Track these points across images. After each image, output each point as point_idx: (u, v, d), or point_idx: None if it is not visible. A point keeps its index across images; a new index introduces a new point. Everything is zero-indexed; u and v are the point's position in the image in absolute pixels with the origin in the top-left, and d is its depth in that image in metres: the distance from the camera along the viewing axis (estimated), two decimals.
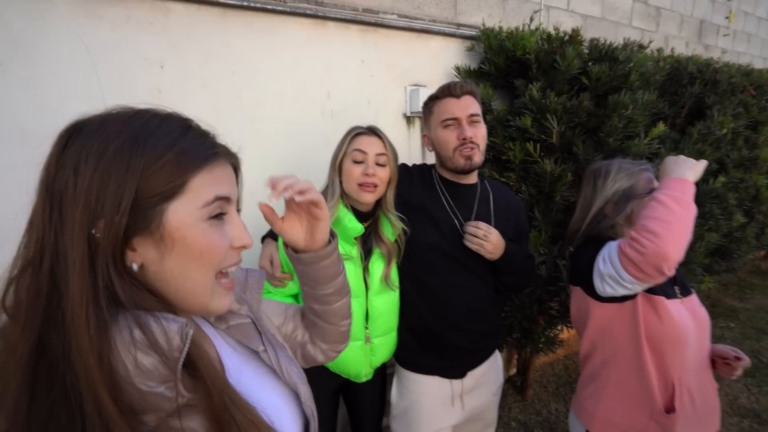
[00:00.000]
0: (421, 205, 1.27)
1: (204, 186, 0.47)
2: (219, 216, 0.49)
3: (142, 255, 0.44)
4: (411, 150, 2.02)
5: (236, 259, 0.52)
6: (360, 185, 1.15)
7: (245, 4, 1.53)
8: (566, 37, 1.80)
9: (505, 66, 1.94)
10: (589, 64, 1.75)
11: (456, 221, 1.24)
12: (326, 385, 1.30)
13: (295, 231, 0.67)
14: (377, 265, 1.22)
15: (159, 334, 0.40)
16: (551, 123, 1.70)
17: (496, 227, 1.20)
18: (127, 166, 0.41)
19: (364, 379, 1.29)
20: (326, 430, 1.36)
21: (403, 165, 1.37)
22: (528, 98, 1.77)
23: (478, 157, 1.22)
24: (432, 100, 1.27)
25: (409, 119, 2.01)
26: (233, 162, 0.54)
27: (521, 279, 1.32)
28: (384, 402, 1.44)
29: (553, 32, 1.90)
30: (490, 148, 1.91)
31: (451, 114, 1.21)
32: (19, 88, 1.29)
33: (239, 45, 1.55)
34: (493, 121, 1.92)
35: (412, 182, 1.31)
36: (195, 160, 0.47)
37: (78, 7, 1.31)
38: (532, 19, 2.14)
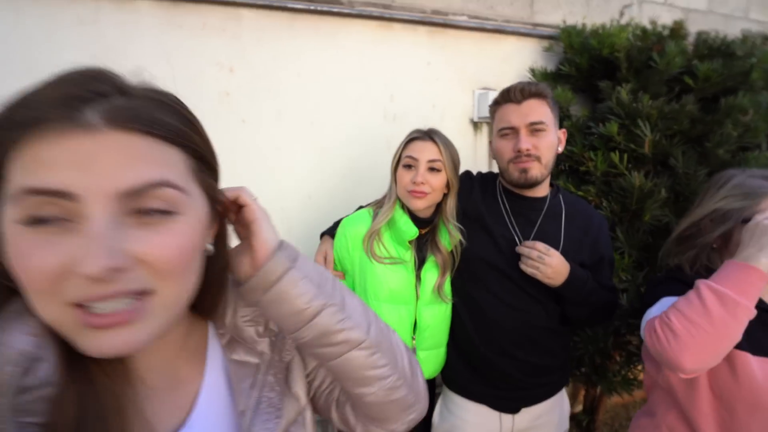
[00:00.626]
0: (479, 216, 1.16)
1: (16, 173, 0.32)
2: (45, 221, 0.31)
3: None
4: (477, 157, 1.89)
5: (92, 291, 0.32)
6: (409, 192, 1.10)
7: (312, 8, 1.53)
8: (666, 32, 1.56)
9: (587, 66, 1.74)
10: (695, 61, 1.49)
11: (516, 237, 1.11)
12: None
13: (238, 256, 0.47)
14: (431, 274, 1.15)
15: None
16: (643, 130, 1.47)
17: (564, 249, 1.04)
18: None
19: None
20: None
21: (467, 173, 1.27)
22: (615, 102, 1.56)
23: (537, 171, 1.07)
24: (494, 105, 1.15)
25: (476, 124, 1.89)
26: (124, 127, 0.33)
27: (593, 313, 1.13)
28: (428, 423, 1.34)
29: (649, 27, 1.66)
30: (566, 157, 1.72)
31: (507, 122, 1.08)
32: None
33: (305, 49, 1.56)
34: (571, 128, 1.72)
35: (472, 191, 1.20)
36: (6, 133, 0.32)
37: (161, 18, 1.40)
38: (622, 14, 1.90)
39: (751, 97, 1.41)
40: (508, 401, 1.17)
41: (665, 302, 0.87)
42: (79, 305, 0.32)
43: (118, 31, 1.37)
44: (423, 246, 1.17)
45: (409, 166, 1.11)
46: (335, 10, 1.57)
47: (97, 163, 0.32)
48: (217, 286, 0.47)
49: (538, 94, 1.07)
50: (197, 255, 0.40)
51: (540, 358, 1.13)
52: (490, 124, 1.44)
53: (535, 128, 1.06)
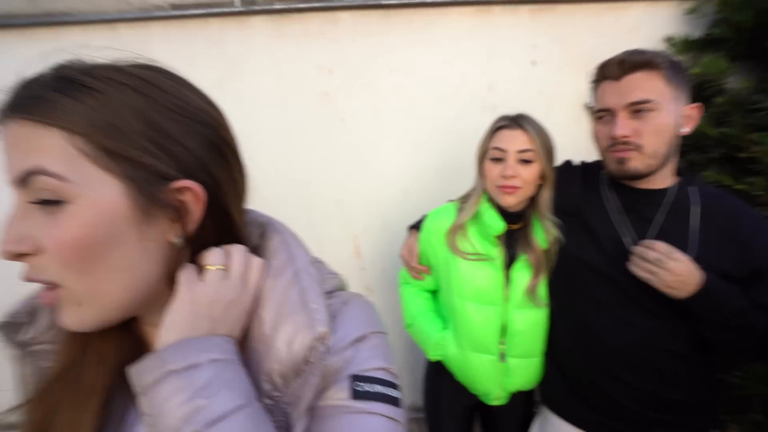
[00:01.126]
0: (577, 212, 0.97)
1: None
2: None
3: None
4: (592, 147, 1.63)
5: (24, 274, 0.35)
6: (499, 187, 0.98)
7: (406, 2, 1.52)
8: None
9: (753, 25, 1.35)
10: None
11: (624, 236, 0.89)
12: (456, 402, 1.16)
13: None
14: (522, 274, 1.01)
15: None
16: None
17: (698, 254, 0.79)
18: None
19: (495, 402, 1.09)
20: None
21: (566, 162, 1.10)
22: None
23: (639, 162, 0.85)
24: (593, 83, 0.96)
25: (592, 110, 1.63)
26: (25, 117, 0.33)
27: (746, 341, 0.82)
28: None
29: None
30: (720, 142, 1.35)
31: (602, 103, 0.89)
32: (233, 101, 1.62)
33: (399, 43, 1.56)
34: (726, 104, 1.35)
35: (572, 183, 1.02)
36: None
37: (271, 29, 1.56)
38: None
39: None
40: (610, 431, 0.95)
41: None
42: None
43: (238, 47, 1.57)
44: (514, 243, 1.04)
45: (497, 159, 1.00)
46: (429, 0, 1.53)
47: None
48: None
49: (645, 65, 0.84)
50: (109, 249, 0.35)
51: (662, 388, 0.89)
52: None
53: (637, 108, 0.84)
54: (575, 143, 1.54)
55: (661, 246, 0.79)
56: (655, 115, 0.84)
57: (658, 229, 0.87)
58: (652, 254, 0.79)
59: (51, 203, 0.33)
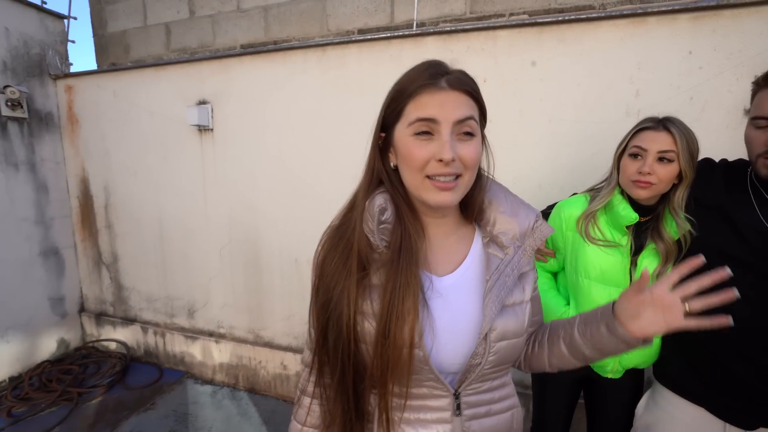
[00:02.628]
0: (717, 205, 1.07)
1: (410, 110, 0.66)
2: (423, 133, 0.65)
3: (393, 159, 0.73)
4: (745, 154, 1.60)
5: (442, 170, 0.65)
6: (634, 181, 1.12)
7: (560, 18, 1.73)
8: None
9: None
10: None
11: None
12: (566, 373, 1.31)
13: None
14: (648, 261, 1.15)
15: (372, 203, 0.72)
16: None
17: None
18: (383, 106, 0.73)
19: (610, 375, 1.25)
20: (560, 418, 1.38)
21: (706, 160, 1.18)
22: None
23: None
24: (754, 87, 1.03)
25: None
26: (456, 86, 0.65)
27: None
28: (630, 423, 1.30)
29: None
30: None
31: (762, 111, 0.96)
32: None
33: (549, 56, 1.78)
34: None
35: (712, 178, 1.11)
36: (406, 91, 0.67)
37: (439, 47, 1.93)
38: None
39: None
40: (741, 413, 1.04)
41: None
42: (429, 177, 0.67)
43: (413, 60, 1.97)
44: (643, 233, 1.17)
45: (635, 155, 1.12)
46: (583, 16, 1.71)
47: (446, 105, 0.65)
48: (477, 201, 0.78)
49: None
50: (478, 162, 0.71)
51: None
52: None
53: None
54: (732, 147, 1.56)
55: None
56: None
57: None
58: None
59: (470, 135, 0.67)
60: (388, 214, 0.72)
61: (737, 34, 1.58)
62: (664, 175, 1.09)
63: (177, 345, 2.89)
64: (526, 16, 2.10)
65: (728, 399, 1.06)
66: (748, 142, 1.03)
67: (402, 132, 0.68)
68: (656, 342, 1.21)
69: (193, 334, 2.82)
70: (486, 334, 0.71)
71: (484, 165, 0.77)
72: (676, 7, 1.62)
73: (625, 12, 1.66)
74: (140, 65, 2.63)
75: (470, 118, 0.66)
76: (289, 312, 2.54)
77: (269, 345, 2.63)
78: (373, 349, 0.69)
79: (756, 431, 1.03)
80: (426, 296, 0.71)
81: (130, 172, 2.81)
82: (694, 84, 1.64)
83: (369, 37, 2.05)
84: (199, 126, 2.43)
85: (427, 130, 0.66)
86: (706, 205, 1.10)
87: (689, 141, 1.09)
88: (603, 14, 1.69)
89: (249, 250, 2.56)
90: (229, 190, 2.52)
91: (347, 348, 0.71)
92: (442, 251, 0.77)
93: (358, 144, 2.28)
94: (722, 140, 1.61)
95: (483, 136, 0.73)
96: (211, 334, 2.79)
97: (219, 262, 2.65)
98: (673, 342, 1.17)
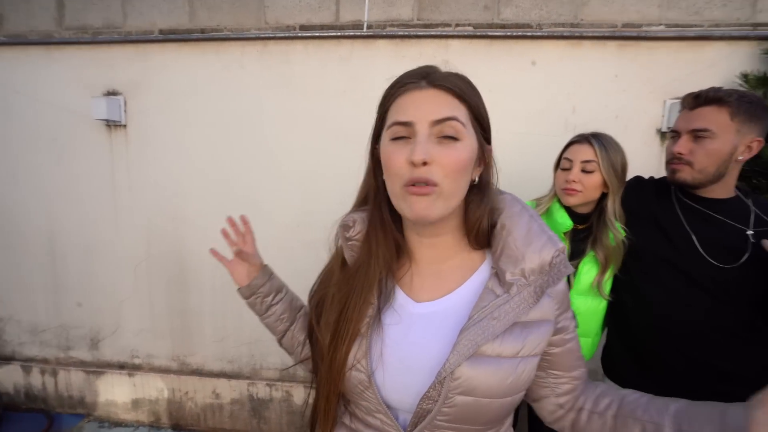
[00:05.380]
0: (650, 216, 1.21)
1: (390, 115, 0.61)
2: (401, 138, 0.59)
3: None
4: (661, 168, 1.84)
5: (413, 174, 0.57)
6: (563, 189, 1.24)
7: (508, 34, 1.80)
8: None
9: None
10: None
11: (693, 235, 1.12)
12: None
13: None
14: (588, 267, 1.24)
15: (345, 219, 0.71)
16: None
17: (753, 252, 1.02)
18: (377, 113, 0.66)
19: None
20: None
21: (637, 177, 1.33)
22: None
23: (687, 174, 1.10)
24: (681, 106, 1.19)
25: (664, 135, 1.84)
26: (438, 85, 0.59)
27: None
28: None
29: None
30: None
31: (676, 125, 1.14)
32: (352, 107, 1.96)
33: (498, 67, 1.85)
34: None
35: (642, 192, 1.26)
36: (386, 98, 0.63)
37: (391, 51, 1.89)
38: None
39: None
40: None
41: None
42: (404, 188, 0.58)
43: (363, 62, 1.91)
44: (581, 240, 1.27)
45: (565, 168, 1.26)
46: (528, 34, 1.80)
47: (423, 104, 0.58)
48: (478, 218, 0.65)
49: (715, 101, 1.08)
50: (466, 172, 0.60)
51: (716, 359, 1.11)
52: None
53: (698, 135, 1.09)
54: (647, 161, 1.76)
55: None
56: (710, 141, 1.08)
57: (717, 230, 1.10)
58: None
59: (452, 139, 0.58)
60: (355, 231, 0.69)
61: (653, 63, 1.81)
62: (588, 183, 1.22)
63: (74, 383, 2.39)
64: (470, 28, 2.17)
65: (662, 388, 1.17)
66: (666, 152, 1.20)
67: (384, 140, 0.62)
68: (591, 343, 1.31)
69: (97, 368, 2.36)
70: (444, 380, 0.58)
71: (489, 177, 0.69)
72: (606, 34, 1.80)
73: (564, 34, 1.80)
74: (22, 41, 2.13)
75: (452, 118, 0.58)
76: (223, 334, 2.26)
77: (198, 373, 2.31)
78: (320, 360, 0.67)
79: None
80: (383, 320, 0.65)
81: (7, 174, 2.26)
82: (619, 104, 1.83)
83: (317, 34, 1.92)
84: (108, 121, 2.05)
85: (404, 135, 0.59)
86: (641, 216, 1.23)
87: (610, 153, 1.21)
88: (546, 34, 1.81)
89: (172, 266, 2.23)
90: (147, 197, 2.17)
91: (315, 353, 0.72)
92: (432, 276, 0.67)
93: (305, 148, 2.16)
94: (640, 155, 1.83)
95: (482, 144, 0.63)
96: (122, 366, 2.36)
97: (133, 280, 2.26)
98: (619, 341, 1.28)
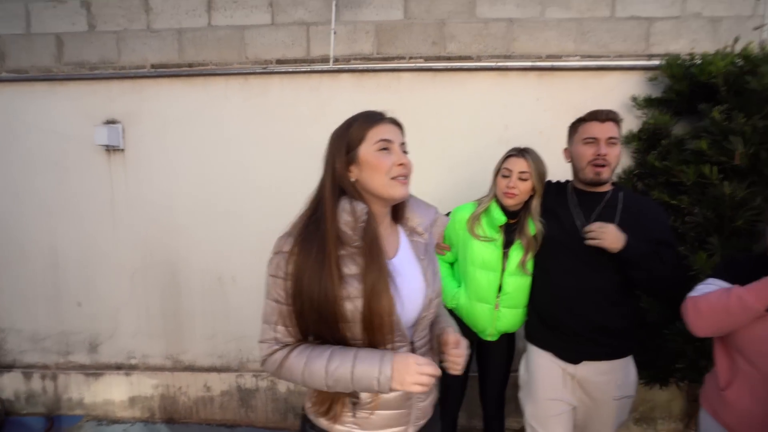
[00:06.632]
0: (552, 209, 1.57)
1: (373, 136, 0.92)
2: (384, 149, 0.92)
3: (355, 174, 0.94)
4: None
5: (400, 171, 0.92)
6: (504, 193, 1.58)
7: (449, 66, 2.20)
8: (760, 55, 1.72)
9: (688, 92, 1.96)
10: None
11: (578, 220, 1.49)
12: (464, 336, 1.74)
13: None
14: (516, 252, 1.59)
15: (356, 208, 0.92)
16: (734, 145, 1.66)
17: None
18: (343, 135, 0.96)
19: (488, 338, 1.68)
20: (459, 376, 1.77)
21: (548, 181, 1.68)
22: (709, 121, 1.77)
23: (607, 174, 1.46)
24: (579, 122, 1.55)
25: None
26: (395, 122, 0.98)
27: (651, 277, 1.39)
28: (508, 372, 1.76)
29: (757, 51, 1.82)
30: (662, 172, 1.95)
31: (592, 134, 1.47)
32: (321, 132, 2.31)
33: (442, 95, 2.24)
34: (669, 145, 1.95)
35: (548, 192, 1.62)
36: (365, 124, 0.93)
37: (352, 83, 2.26)
38: (736, 40, 2.03)
39: None
40: (569, 352, 1.52)
41: (710, 281, 1.21)
42: (393, 178, 0.92)
43: (330, 92, 2.28)
44: (512, 232, 1.61)
45: (506, 175, 1.59)
46: (465, 66, 2.21)
47: (394, 132, 0.95)
48: (402, 206, 1.06)
49: (615, 119, 1.48)
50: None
51: (596, 316, 1.46)
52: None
53: (610, 142, 1.46)
54: (563, 169, 2.15)
55: (597, 224, 1.39)
56: (616, 148, 1.47)
57: (597, 216, 1.48)
58: (593, 227, 1.38)
59: (406, 152, 0.97)
60: (365, 216, 0.94)
61: (565, 88, 2.23)
62: (523, 188, 1.56)
63: (74, 386, 2.60)
64: (422, 60, 2.56)
65: (563, 342, 1.53)
66: (580, 156, 1.51)
67: (367, 150, 0.93)
68: (520, 313, 1.64)
69: (96, 370, 2.58)
70: (430, 296, 1.00)
71: None
72: (527, 66, 2.21)
73: (493, 66, 2.21)
74: (27, 77, 2.41)
75: (404, 142, 0.99)
76: (212, 331, 2.53)
77: (190, 368, 2.56)
78: (361, 321, 0.90)
79: (580, 364, 1.51)
80: (392, 276, 0.96)
81: (10, 195, 2.50)
82: (542, 122, 2.24)
83: (291, 69, 2.28)
84: (108, 146, 2.34)
85: (386, 147, 0.94)
86: (547, 209, 1.59)
87: (538, 165, 1.59)
88: (479, 66, 2.21)
89: (166, 272, 2.50)
90: (144, 212, 2.45)
91: (329, 329, 0.93)
92: (387, 241, 1.03)
93: (279, 166, 2.50)
94: (558, 165, 2.24)
95: None
96: (119, 367, 2.59)
97: (130, 287, 2.51)
98: (531, 306, 1.64)
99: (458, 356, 0.97)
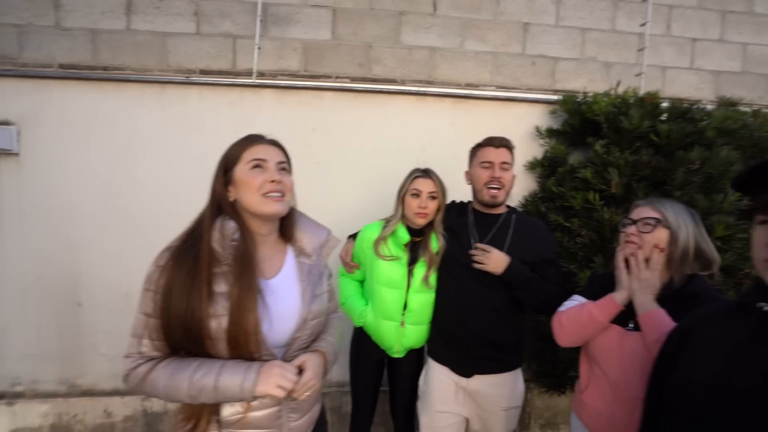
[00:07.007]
0: (452, 228, 1.67)
1: (248, 156, 0.98)
2: (257, 167, 0.97)
3: (233, 194, 0.99)
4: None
5: (272, 187, 0.97)
6: (416, 213, 1.63)
7: (371, 88, 2.29)
8: (631, 100, 1.98)
9: (580, 126, 2.19)
10: (659, 123, 1.88)
11: (473, 240, 1.60)
12: (372, 353, 1.77)
13: None
14: (420, 270, 1.65)
15: (225, 226, 0.96)
16: (611, 175, 1.88)
17: (509, 250, 1.52)
18: (223, 157, 1.02)
19: (396, 354, 1.72)
20: (369, 392, 1.81)
21: (452, 201, 1.79)
22: (594, 153, 1.99)
23: (502, 196, 1.59)
24: (477, 147, 1.68)
25: None
26: (276, 144, 1.05)
27: (534, 298, 1.52)
28: (416, 386, 1.79)
29: (632, 95, 2.09)
30: (558, 196, 2.15)
31: (488, 158, 1.59)
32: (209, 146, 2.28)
33: (363, 115, 2.31)
34: (564, 173, 2.16)
35: (450, 212, 1.72)
36: (241, 146, 1.00)
37: (275, 99, 2.27)
38: (618, 83, 2.32)
39: (700, 151, 1.74)
40: (462, 366, 1.60)
41: (574, 297, 1.36)
42: (264, 195, 0.97)
43: (251, 107, 2.26)
44: (417, 249, 1.67)
45: (416, 195, 1.64)
46: (386, 89, 2.30)
47: (270, 151, 1.01)
48: (290, 226, 1.10)
49: (507, 146, 1.62)
50: (293, 188, 1.06)
51: (488, 332, 1.56)
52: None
53: (503, 166, 1.59)
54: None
55: (482, 246, 1.51)
56: (509, 172, 1.59)
57: (491, 237, 1.59)
58: (478, 251, 1.50)
59: (286, 170, 1.03)
60: (237, 235, 0.98)
61: (477, 116, 2.40)
62: (432, 207, 1.64)
63: None
64: (349, 80, 2.64)
65: (457, 357, 1.61)
66: (478, 177, 1.62)
67: (241, 169, 0.98)
68: (425, 330, 1.70)
69: None
70: (305, 318, 1.03)
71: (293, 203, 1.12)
72: (443, 92, 2.36)
73: (412, 91, 2.33)
74: None
75: (285, 161, 1.04)
76: (117, 351, 2.35)
77: (89, 393, 2.36)
78: (225, 339, 0.92)
79: (472, 377, 1.60)
80: (263, 295, 0.98)
81: None
82: (456, 146, 2.37)
83: (211, 81, 2.24)
84: None
85: (259, 165, 0.98)
86: (447, 229, 1.68)
87: (442, 184, 1.68)
88: (399, 90, 2.32)
89: (65, 288, 2.30)
90: (40, 222, 2.25)
91: (194, 345, 0.93)
92: (269, 261, 1.06)
93: (198, 178, 2.40)
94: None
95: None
96: (1, 396, 2.32)
97: (20, 304, 2.28)
98: (434, 326, 1.70)
99: (301, 383, 0.96)
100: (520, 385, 1.66)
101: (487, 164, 1.60)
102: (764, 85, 2.94)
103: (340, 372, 2.30)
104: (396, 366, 1.81)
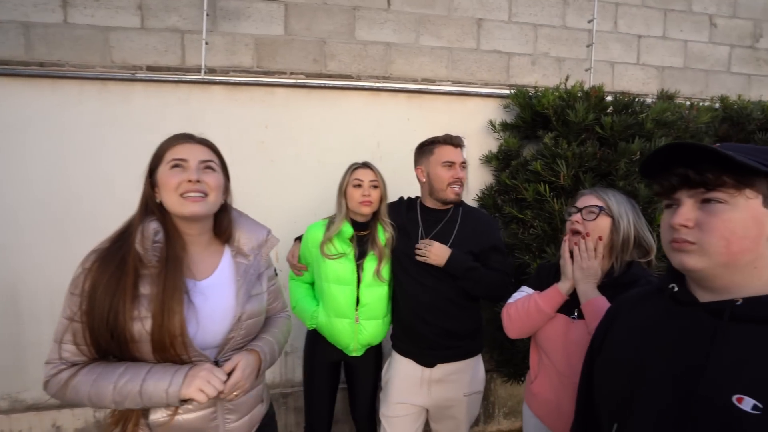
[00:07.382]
0: (402, 225, 1.68)
1: (169, 155, 0.96)
2: (177, 167, 0.95)
3: (159, 196, 0.97)
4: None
5: (189, 187, 0.94)
6: (361, 202, 1.62)
7: (323, 84, 2.25)
8: (579, 93, 2.04)
9: (531, 119, 2.24)
10: (603, 115, 1.94)
11: (425, 236, 1.61)
12: (327, 355, 1.74)
13: None
14: (370, 264, 1.64)
15: (147, 227, 0.94)
16: (560, 167, 1.93)
17: (455, 242, 1.54)
18: (151, 158, 0.99)
19: (353, 353, 1.70)
20: (325, 397, 1.76)
21: (401, 197, 1.80)
22: (543, 146, 2.04)
23: (462, 194, 1.64)
24: (434, 143, 1.66)
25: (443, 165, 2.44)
26: (204, 143, 1.02)
27: (478, 286, 1.54)
28: (377, 385, 1.79)
29: (579, 89, 2.15)
30: (511, 189, 2.19)
31: (450, 158, 1.59)
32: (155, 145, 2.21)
33: (316, 111, 2.28)
34: (517, 165, 2.21)
35: (400, 209, 1.74)
36: (165, 146, 0.97)
37: (225, 95, 2.20)
38: (567, 78, 2.38)
39: (640, 142, 1.81)
40: (425, 357, 1.62)
41: (522, 289, 1.38)
42: (182, 195, 0.94)
43: (200, 104, 2.19)
44: (364, 243, 1.66)
45: (358, 186, 1.63)
46: (338, 84, 2.28)
47: (193, 151, 0.97)
48: (226, 226, 1.07)
49: (460, 145, 1.63)
50: (221, 191, 1.01)
51: (446, 323, 1.58)
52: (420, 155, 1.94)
53: (463, 165, 1.62)
54: None
55: (424, 240, 1.52)
56: (465, 171, 1.61)
57: (438, 231, 1.60)
58: (421, 246, 1.51)
59: (212, 170, 1.00)
60: (160, 236, 0.96)
61: (433, 110, 2.41)
62: (375, 196, 1.64)
63: None
64: (303, 76, 2.59)
65: (419, 349, 1.62)
66: (441, 177, 1.60)
67: (162, 170, 0.96)
68: (380, 324, 1.68)
69: None
70: (239, 317, 1.00)
71: (229, 201, 1.09)
72: (397, 87, 2.35)
73: (366, 86, 2.31)
74: None
75: (211, 160, 1.00)
76: None
77: (34, 408, 2.23)
78: (149, 341, 0.89)
79: (435, 367, 1.61)
80: (190, 296, 0.96)
81: None
82: (411, 140, 2.37)
83: (156, 77, 2.15)
84: None
85: (179, 164, 0.95)
86: (398, 225, 1.69)
87: (380, 174, 1.68)
88: (353, 85, 2.30)
89: (2, 299, 2.16)
90: None
91: (119, 348, 0.91)
92: (201, 262, 1.03)
93: (141, 180, 2.29)
94: None
95: (227, 180, 1.05)
96: None
97: None
98: (396, 319, 1.71)
99: (230, 384, 0.94)
100: (481, 371, 1.69)
101: (448, 164, 1.60)
102: (704, 80, 3.10)
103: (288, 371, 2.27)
104: (353, 367, 1.78)
